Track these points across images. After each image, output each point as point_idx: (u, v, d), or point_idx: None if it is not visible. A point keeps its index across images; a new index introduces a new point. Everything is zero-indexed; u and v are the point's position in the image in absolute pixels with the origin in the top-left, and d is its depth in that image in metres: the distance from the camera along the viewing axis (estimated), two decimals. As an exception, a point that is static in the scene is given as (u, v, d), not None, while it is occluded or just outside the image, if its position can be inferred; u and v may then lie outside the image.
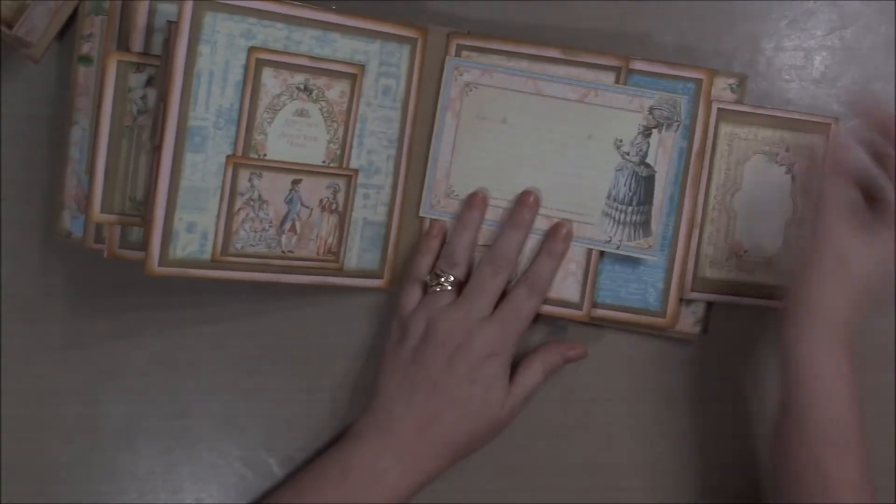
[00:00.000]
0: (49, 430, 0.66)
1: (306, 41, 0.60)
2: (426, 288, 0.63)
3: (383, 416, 0.61)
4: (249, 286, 0.62)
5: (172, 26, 0.57)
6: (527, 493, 0.67)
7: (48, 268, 0.66)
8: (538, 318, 0.65)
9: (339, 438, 0.64)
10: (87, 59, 0.63)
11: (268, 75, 0.59)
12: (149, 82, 0.60)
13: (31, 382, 0.66)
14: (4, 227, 0.66)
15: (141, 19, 0.60)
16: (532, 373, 0.63)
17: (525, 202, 0.63)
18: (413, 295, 0.64)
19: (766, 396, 0.67)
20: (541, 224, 0.64)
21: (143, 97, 0.60)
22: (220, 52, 0.58)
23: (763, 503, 0.66)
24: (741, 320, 0.67)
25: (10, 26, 0.61)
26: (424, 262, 0.64)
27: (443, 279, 0.62)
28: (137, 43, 0.60)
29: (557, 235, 0.63)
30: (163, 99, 0.58)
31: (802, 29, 0.68)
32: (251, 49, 0.59)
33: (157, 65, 0.60)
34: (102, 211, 0.60)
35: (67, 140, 0.64)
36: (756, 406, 0.67)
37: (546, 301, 0.64)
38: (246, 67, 0.59)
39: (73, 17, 0.64)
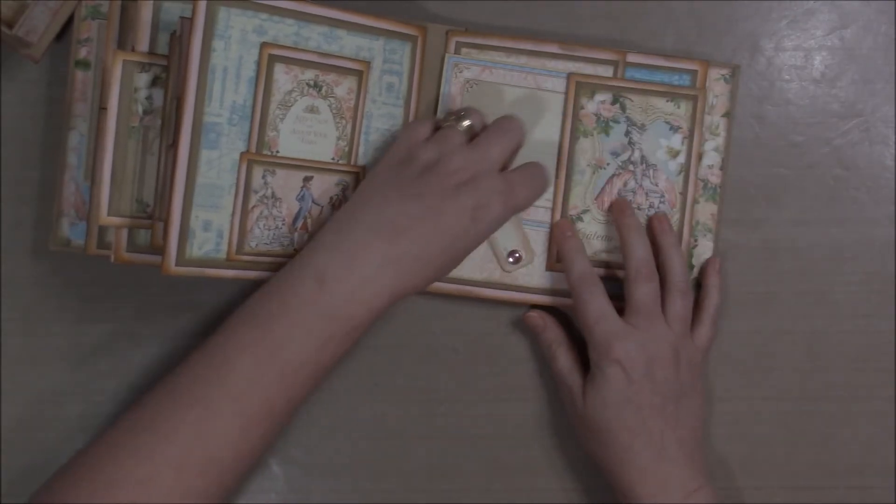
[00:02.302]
0: (49, 430, 0.66)
1: (314, 38, 0.60)
2: (437, 129, 0.61)
3: (344, 216, 0.57)
4: (252, 284, 0.62)
5: (185, 22, 0.57)
6: (527, 493, 0.67)
7: (48, 268, 0.66)
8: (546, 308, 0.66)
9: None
10: (84, 64, 0.63)
11: (279, 71, 0.59)
12: (154, 82, 0.60)
13: (31, 382, 0.66)
14: (4, 228, 0.66)
15: (146, 18, 0.60)
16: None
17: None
18: (424, 129, 0.60)
19: (770, 397, 0.67)
20: (544, 217, 0.65)
21: (149, 97, 0.60)
22: (233, 47, 0.58)
23: (768, 503, 0.66)
24: (745, 319, 0.67)
25: (10, 26, 0.61)
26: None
27: (458, 122, 0.60)
28: (143, 42, 0.60)
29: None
30: (177, 96, 0.58)
31: (802, 29, 0.68)
32: (263, 45, 0.59)
33: (162, 64, 0.60)
34: (110, 213, 0.60)
35: (65, 146, 0.64)
36: (760, 406, 0.67)
37: (554, 293, 0.65)
38: (258, 63, 0.59)
39: (72, 18, 0.64)
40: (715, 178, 0.66)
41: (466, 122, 0.60)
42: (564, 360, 0.64)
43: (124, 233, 0.60)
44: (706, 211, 0.66)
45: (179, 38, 0.58)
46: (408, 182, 0.57)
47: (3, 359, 0.66)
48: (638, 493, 0.59)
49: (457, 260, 0.58)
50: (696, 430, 0.61)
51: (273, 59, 0.59)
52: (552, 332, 0.65)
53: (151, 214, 0.60)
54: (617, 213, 0.64)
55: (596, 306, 0.61)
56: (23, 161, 0.66)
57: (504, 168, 0.60)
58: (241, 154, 0.59)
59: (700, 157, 0.65)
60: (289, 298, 0.55)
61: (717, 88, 0.66)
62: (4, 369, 0.66)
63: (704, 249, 0.66)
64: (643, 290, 0.61)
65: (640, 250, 0.62)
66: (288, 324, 0.55)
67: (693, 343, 0.62)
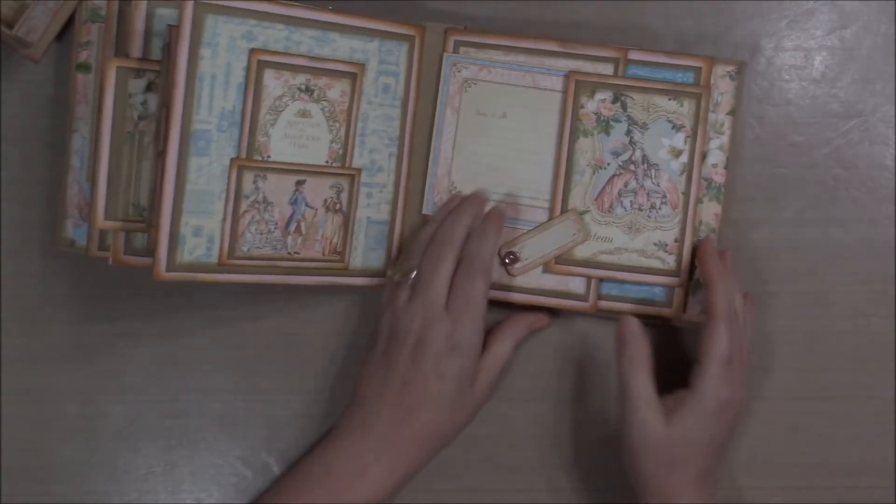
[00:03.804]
0: (49, 430, 0.66)
1: (306, 41, 0.60)
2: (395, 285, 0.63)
3: (360, 416, 0.61)
4: (251, 287, 0.62)
5: (173, 30, 0.57)
6: (527, 493, 0.67)
7: (48, 268, 0.66)
8: (546, 311, 0.66)
9: (321, 440, 0.64)
10: (85, 67, 0.63)
11: (269, 76, 0.59)
12: (149, 87, 0.60)
13: (31, 382, 0.66)
14: (5, 228, 0.66)
15: (139, 24, 0.60)
16: (502, 346, 0.63)
17: (473, 198, 0.64)
18: (385, 294, 0.63)
19: (770, 397, 0.67)
20: (542, 217, 0.65)
21: (144, 102, 0.60)
22: (221, 54, 0.58)
23: (768, 503, 0.66)
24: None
25: (10, 26, 0.61)
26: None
27: (404, 276, 0.62)
28: (136, 48, 0.60)
29: (489, 217, 0.63)
30: (165, 104, 0.58)
31: (802, 29, 0.68)
32: (252, 51, 0.59)
33: (156, 70, 0.60)
34: (106, 218, 0.60)
35: (68, 148, 0.64)
36: (760, 406, 0.67)
37: (552, 294, 0.65)
38: (247, 69, 0.59)
39: (72, 18, 0.64)
40: (719, 178, 0.66)
41: (412, 274, 0.61)
42: (646, 379, 0.61)
43: (121, 236, 0.61)
44: (710, 210, 0.66)
45: (167, 46, 0.58)
46: (376, 368, 0.61)
47: (3, 359, 0.66)
48: None
49: (456, 411, 0.61)
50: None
51: (262, 65, 0.59)
52: (641, 346, 0.61)
53: (147, 218, 0.60)
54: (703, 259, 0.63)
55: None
56: (27, 161, 0.66)
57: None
58: (231, 160, 0.59)
59: (704, 156, 0.65)
60: None
61: (722, 85, 0.65)
62: (4, 369, 0.66)
63: None
64: (728, 342, 0.60)
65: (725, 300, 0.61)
66: None
67: None
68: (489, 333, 0.64)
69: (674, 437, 0.60)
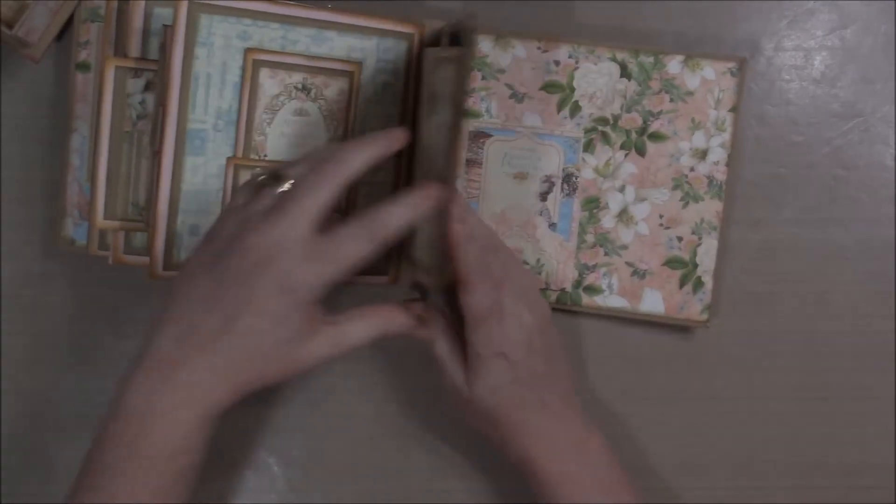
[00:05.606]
0: (49, 430, 0.66)
1: (303, 40, 0.60)
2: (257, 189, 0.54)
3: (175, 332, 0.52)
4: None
5: (168, 30, 0.57)
6: (527, 493, 0.67)
7: (48, 268, 0.66)
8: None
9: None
10: (84, 66, 0.64)
11: (265, 76, 0.59)
12: (147, 87, 0.60)
13: (31, 382, 0.66)
14: (5, 227, 0.66)
15: (137, 24, 0.60)
16: (354, 328, 0.54)
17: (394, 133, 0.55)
18: (242, 195, 0.54)
19: (770, 397, 0.67)
20: None
21: (142, 102, 0.60)
22: (216, 54, 0.58)
23: (768, 503, 0.66)
24: (745, 319, 0.67)
25: (10, 26, 0.61)
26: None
27: (274, 184, 0.52)
28: (134, 48, 0.60)
29: (422, 191, 0.53)
30: (161, 103, 0.58)
31: (802, 29, 0.68)
32: (247, 50, 0.59)
33: (154, 69, 0.60)
34: (106, 217, 0.60)
35: (67, 147, 0.64)
36: (760, 406, 0.67)
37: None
38: (243, 69, 0.59)
39: (72, 18, 0.64)
40: (720, 175, 0.65)
41: (287, 184, 0.52)
42: (445, 345, 0.58)
43: (121, 235, 0.61)
44: (711, 208, 0.65)
45: (163, 45, 0.58)
46: (207, 268, 0.51)
47: (3, 359, 0.66)
48: (531, 454, 0.58)
49: (291, 349, 0.52)
50: (570, 382, 0.59)
51: (258, 65, 0.59)
52: (435, 323, 0.58)
53: (145, 218, 0.60)
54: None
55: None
56: (25, 160, 0.66)
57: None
58: (228, 159, 0.59)
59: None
60: (116, 450, 0.53)
61: (723, 83, 0.65)
62: (4, 369, 0.66)
63: (709, 248, 0.65)
64: (479, 296, 0.55)
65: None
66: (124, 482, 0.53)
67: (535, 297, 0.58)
68: (351, 309, 0.55)
69: (476, 393, 0.56)
